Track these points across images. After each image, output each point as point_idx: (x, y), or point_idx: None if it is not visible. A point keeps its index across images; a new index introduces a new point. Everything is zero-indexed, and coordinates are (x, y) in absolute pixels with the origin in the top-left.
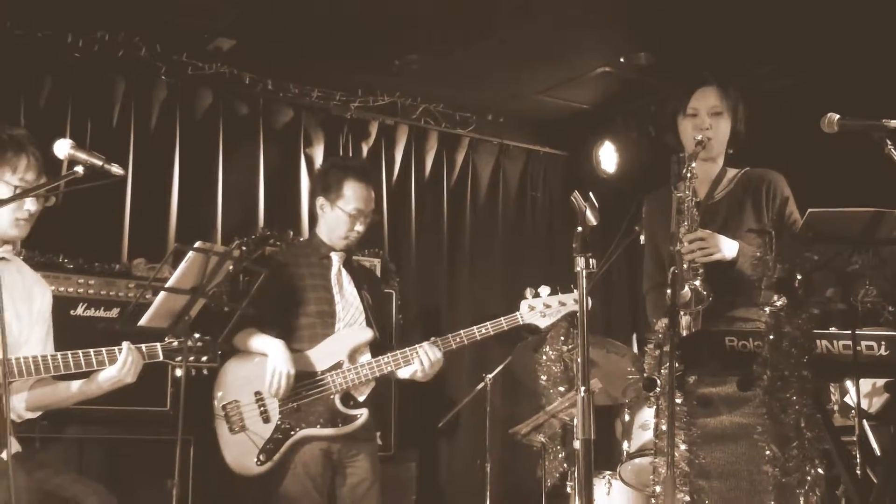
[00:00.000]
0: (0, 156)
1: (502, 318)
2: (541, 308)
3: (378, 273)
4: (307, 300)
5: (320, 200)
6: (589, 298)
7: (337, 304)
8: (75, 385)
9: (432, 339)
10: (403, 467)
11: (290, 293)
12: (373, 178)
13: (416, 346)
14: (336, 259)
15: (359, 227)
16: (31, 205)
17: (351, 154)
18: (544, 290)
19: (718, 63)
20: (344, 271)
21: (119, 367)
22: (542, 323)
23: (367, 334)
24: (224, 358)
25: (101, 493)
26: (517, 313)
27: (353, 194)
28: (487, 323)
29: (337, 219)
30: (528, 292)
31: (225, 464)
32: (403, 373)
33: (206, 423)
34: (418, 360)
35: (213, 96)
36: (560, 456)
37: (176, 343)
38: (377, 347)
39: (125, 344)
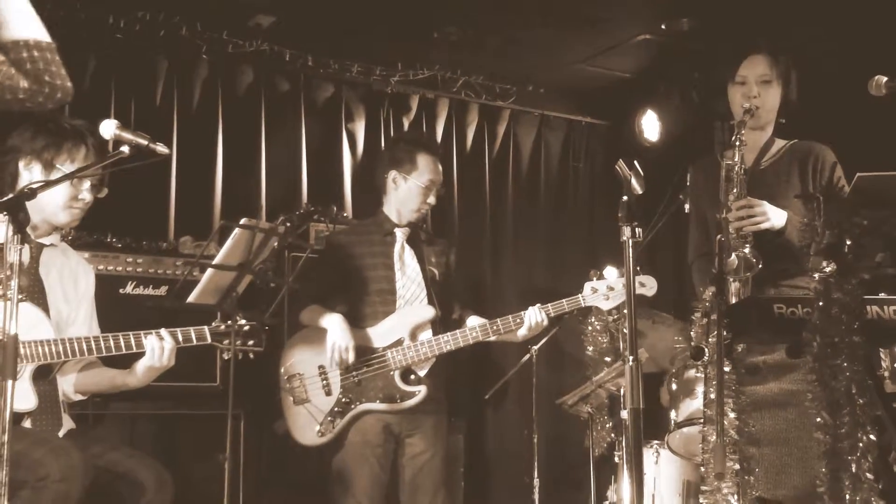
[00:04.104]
0: (59, 144)
1: (564, 301)
2: (604, 290)
3: None
4: (368, 278)
5: (392, 174)
6: (654, 280)
7: (397, 281)
8: (119, 376)
9: (539, 304)
10: (451, 439)
11: (351, 272)
12: (440, 151)
13: (515, 314)
14: (400, 235)
15: (431, 200)
16: (86, 194)
17: (392, 128)
18: (610, 272)
19: (761, 28)
20: (407, 247)
21: (149, 356)
22: (606, 305)
23: (429, 313)
24: (290, 332)
25: (155, 467)
26: (579, 295)
27: (426, 166)
28: (549, 304)
29: (410, 191)
30: (593, 273)
31: (278, 436)
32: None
33: (256, 398)
34: (526, 323)
35: (255, 73)
36: (607, 426)
37: (224, 327)
38: (439, 325)
39: (151, 337)
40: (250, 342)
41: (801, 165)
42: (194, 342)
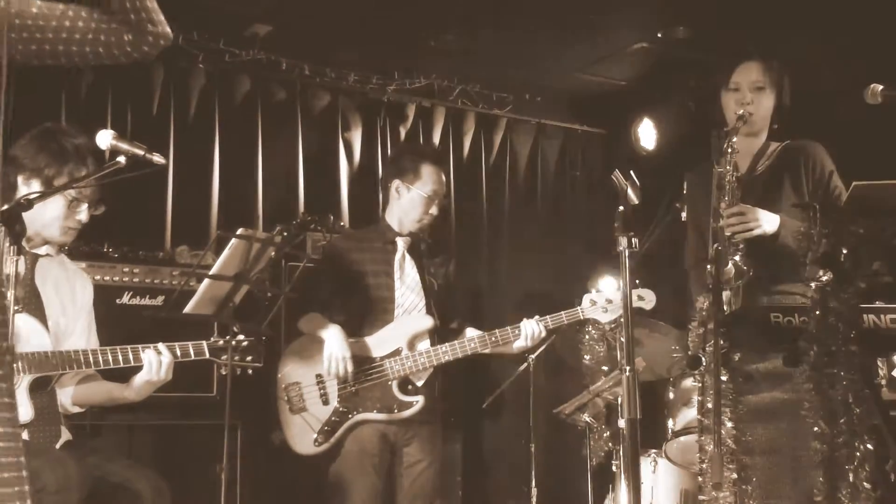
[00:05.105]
0: (61, 166)
1: (563, 313)
2: (602, 303)
3: None
4: (367, 286)
5: (395, 183)
6: (653, 293)
7: (396, 290)
8: (117, 390)
9: (536, 317)
10: (448, 448)
11: (352, 279)
12: (445, 163)
13: (510, 326)
14: (401, 244)
15: (433, 211)
16: (83, 215)
17: (388, 137)
18: (607, 284)
19: (757, 34)
20: (408, 257)
21: (146, 371)
22: (604, 318)
23: (427, 323)
24: (288, 343)
25: (152, 477)
26: (578, 308)
27: (429, 177)
28: (547, 317)
29: (412, 201)
30: (591, 285)
31: (275, 447)
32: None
33: (253, 409)
34: (523, 335)
35: (251, 83)
36: (605, 435)
37: (222, 342)
38: (437, 335)
39: (148, 351)
40: (248, 358)
41: (792, 168)
42: (192, 357)
